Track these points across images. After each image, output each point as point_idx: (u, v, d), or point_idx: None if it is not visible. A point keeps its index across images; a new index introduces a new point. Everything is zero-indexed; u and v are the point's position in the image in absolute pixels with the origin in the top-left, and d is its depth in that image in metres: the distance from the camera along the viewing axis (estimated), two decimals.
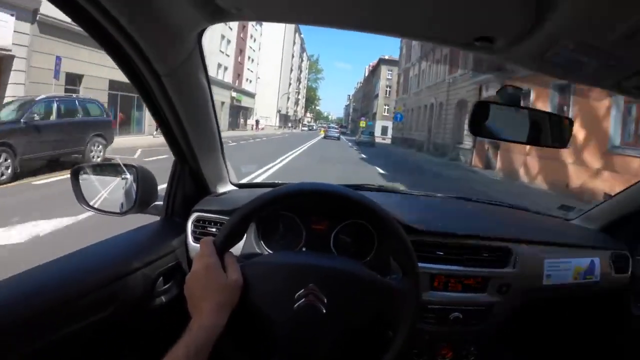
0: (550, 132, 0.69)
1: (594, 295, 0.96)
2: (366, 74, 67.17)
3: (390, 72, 40.66)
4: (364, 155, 13.94)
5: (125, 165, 0.79)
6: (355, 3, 0.48)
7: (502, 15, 0.44)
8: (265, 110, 37.37)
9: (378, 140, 32.12)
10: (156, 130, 11.48)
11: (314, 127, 57.58)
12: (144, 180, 0.77)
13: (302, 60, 60.25)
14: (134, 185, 0.77)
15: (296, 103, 61.75)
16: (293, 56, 47.93)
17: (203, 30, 0.61)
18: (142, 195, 0.77)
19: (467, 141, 13.59)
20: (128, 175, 0.78)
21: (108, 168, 0.81)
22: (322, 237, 0.81)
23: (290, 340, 0.52)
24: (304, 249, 0.81)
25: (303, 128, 55.73)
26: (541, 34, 0.44)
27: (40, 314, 0.53)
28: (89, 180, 0.77)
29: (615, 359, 1.05)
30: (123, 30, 0.50)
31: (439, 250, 0.81)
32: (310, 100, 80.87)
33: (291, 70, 47.81)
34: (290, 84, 47.54)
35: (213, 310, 0.48)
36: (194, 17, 0.54)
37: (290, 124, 51.11)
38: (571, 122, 0.70)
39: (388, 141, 34.19)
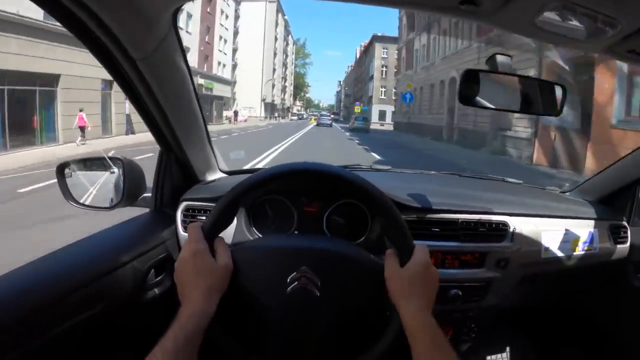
0: (540, 99, 0.74)
1: (593, 267, 1.05)
2: (357, 56, 66.99)
3: (385, 50, 39.99)
4: (365, 147, 12.75)
5: (110, 158, 0.84)
6: None
7: None
8: (248, 100, 36.95)
9: (375, 126, 33.02)
10: (81, 136, 9.81)
11: (304, 116, 59.42)
12: (131, 172, 0.83)
13: (287, 44, 60.10)
14: (122, 179, 0.83)
15: (283, 90, 62.14)
16: (276, 39, 47.42)
17: (177, 10, 0.63)
18: (129, 188, 0.83)
19: (521, 127, 10.69)
20: (115, 169, 0.85)
21: (94, 162, 0.87)
22: (315, 220, 0.88)
23: (283, 324, 0.56)
24: (296, 233, 0.87)
25: (292, 117, 55.90)
26: None
27: (31, 313, 0.57)
28: (74, 176, 0.84)
29: (615, 331, 1.16)
30: (93, 14, 0.52)
31: (434, 227, 0.90)
32: (299, 87, 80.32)
33: (275, 54, 47.41)
34: (274, 69, 47.52)
35: (201, 297, 0.51)
36: None
37: (277, 114, 51.12)
38: (564, 89, 0.75)
39: (388, 127, 33.19)
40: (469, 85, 0.70)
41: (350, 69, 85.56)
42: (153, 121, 0.79)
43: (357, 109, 36.21)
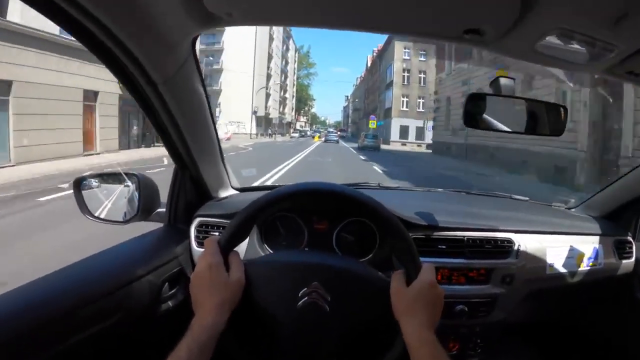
0: (547, 120, 0.95)
1: (599, 282, 1.28)
2: (368, 65, 68.00)
3: (407, 51, 37.56)
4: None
5: (126, 173, 1.10)
6: (344, 3, 0.66)
7: (488, 7, 0.62)
8: (238, 114, 36.36)
9: (396, 146, 33.50)
10: None
11: (308, 133, 59.89)
12: (145, 188, 1.08)
13: (287, 49, 61.43)
14: (136, 194, 1.08)
15: (282, 103, 64.05)
16: (272, 38, 47.61)
17: (196, 37, 0.83)
18: (144, 203, 1.07)
19: None
20: (130, 184, 1.10)
21: (110, 177, 1.13)
22: (324, 237, 1.11)
23: (294, 338, 0.71)
24: (306, 249, 1.11)
25: (293, 135, 56.69)
26: (529, 24, 0.63)
27: (47, 324, 0.72)
28: (91, 190, 1.09)
29: (620, 345, 1.36)
30: (117, 40, 0.68)
31: (441, 244, 1.13)
32: (303, 100, 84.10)
33: (270, 57, 47.48)
34: (269, 75, 47.75)
35: (213, 309, 0.65)
36: (186, 24, 0.73)
37: (273, 130, 51.00)
38: (566, 110, 0.96)
39: (414, 148, 32.38)
40: (474, 108, 0.90)
41: (360, 80, 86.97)
42: (170, 140, 1.02)
43: (372, 124, 35.91)
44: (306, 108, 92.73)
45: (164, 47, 0.77)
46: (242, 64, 37.70)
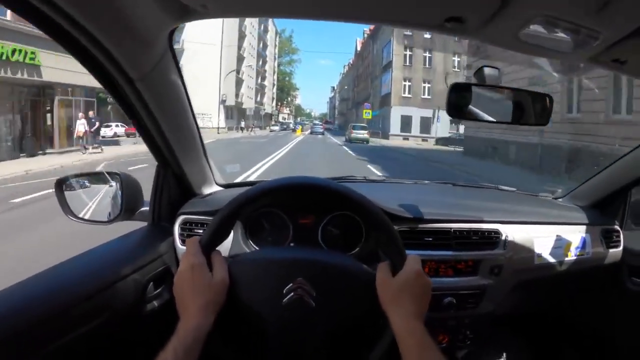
0: (532, 110, 1.07)
1: (587, 271, 1.47)
2: (357, 49, 67.24)
3: None
4: None
5: (108, 173, 1.25)
6: None
7: None
8: (204, 104, 33.22)
9: (396, 141, 31.65)
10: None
11: (291, 126, 59.54)
12: (128, 187, 1.22)
13: (265, 30, 60.09)
14: (119, 193, 1.22)
15: (260, 92, 63.62)
16: None
17: (173, 31, 0.91)
18: (127, 202, 1.22)
19: None
20: (112, 183, 1.25)
21: (92, 177, 1.28)
22: (310, 231, 1.27)
23: (281, 335, 0.80)
24: (292, 244, 1.26)
25: (273, 127, 55.97)
26: (512, 11, 0.69)
27: (34, 326, 0.81)
28: (73, 190, 1.23)
29: (610, 334, 1.56)
30: (91, 37, 0.75)
31: (427, 236, 1.29)
32: (285, 90, 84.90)
33: (242, 35, 45.95)
34: (242, 56, 46.43)
35: (199, 310, 0.74)
36: (160, 17, 0.80)
37: (247, 122, 48.65)
38: (551, 99, 1.08)
39: (423, 144, 30.11)
40: (458, 98, 1.01)
41: (348, 67, 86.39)
42: (150, 137, 1.13)
43: (366, 114, 35.03)
44: (289, 99, 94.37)
45: (140, 43, 0.85)
46: (207, 44, 35.84)
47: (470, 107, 1.01)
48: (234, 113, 46.91)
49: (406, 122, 34.76)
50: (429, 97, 33.86)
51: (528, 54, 0.92)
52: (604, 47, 0.80)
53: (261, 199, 0.88)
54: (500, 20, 0.74)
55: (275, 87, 79.13)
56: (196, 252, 0.80)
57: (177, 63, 1.04)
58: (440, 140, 29.09)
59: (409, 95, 35.86)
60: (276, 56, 75.36)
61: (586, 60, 0.90)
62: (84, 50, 0.80)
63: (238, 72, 46.46)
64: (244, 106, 49.26)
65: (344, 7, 0.81)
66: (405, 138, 34.46)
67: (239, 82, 48.15)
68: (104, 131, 25.04)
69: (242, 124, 47.08)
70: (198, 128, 1.27)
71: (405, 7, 0.78)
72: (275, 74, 78.20)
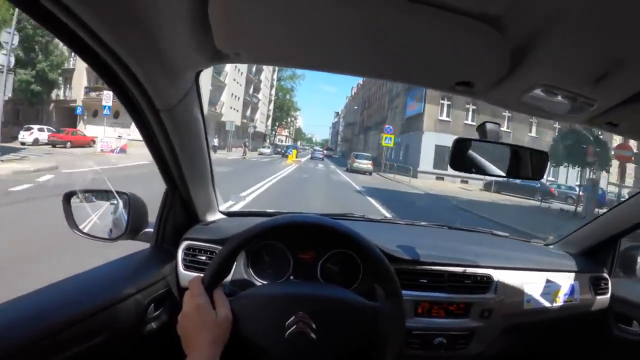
0: (530, 165, 1.25)
1: (575, 317, 1.66)
2: None
3: None
4: None
5: (116, 191, 1.39)
6: (347, 51, 0.86)
7: (479, 63, 0.84)
8: None
9: (427, 180, 25.93)
10: None
11: (284, 150, 51.43)
12: (135, 207, 1.38)
13: None
14: (124, 212, 1.37)
15: (250, 106, 58.91)
16: None
17: (201, 70, 1.08)
18: (132, 222, 1.37)
19: None
20: (119, 202, 1.39)
21: (100, 193, 1.42)
22: (309, 267, 1.45)
23: None
24: (292, 278, 1.43)
25: (263, 150, 51.00)
26: (515, 80, 0.85)
27: (33, 342, 0.89)
28: (80, 205, 1.37)
29: None
30: (125, 67, 0.86)
31: (422, 278, 1.47)
32: (284, 109, 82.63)
33: None
34: None
35: (206, 347, 0.85)
36: (193, 58, 0.95)
37: (221, 142, 42.02)
38: (546, 155, 1.27)
39: (469, 189, 24.90)
40: (460, 152, 1.18)
41: (356, 89, 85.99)
42: (164, 162, 1.29)
43: (387, 140, 26.61)
44: (289, 119, 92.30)
45: (170, 78, 0.99)
46: None
47: (471, 159, 1.19)
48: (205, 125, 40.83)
49: (441, 155, 27.27)
50: (473, 123, 27.13)
51: (528, 114, 1.13)
52: (599, 112, 0.96)
53: (260, 237, 1.05)
54: (505, 86, 0.90)
55: (272, 103, 76.76)
56: (200, 293, 0.93)
57: (200, 99, 1.21)
58: (491, 185, 25.19)
59: (448, 119, 30.08)
60: (276, 69, 71.96)
61: (582, 122, 1.08)
62: (116, 77, 0.92)
63: (218, 72, 42.66)
64: (223, 119, 43.55)
65: (365, 65, 0.96)
66: (440, 177, 28.90)
67: (218, 87, 43.82)
68: (22, 135, 23.40)
69: (215, 141, 38.20)
70: (210, 158, 1.45)
71: (420, 72, 0.95)
72: (274, 89, 76.58)
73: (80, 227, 1.37)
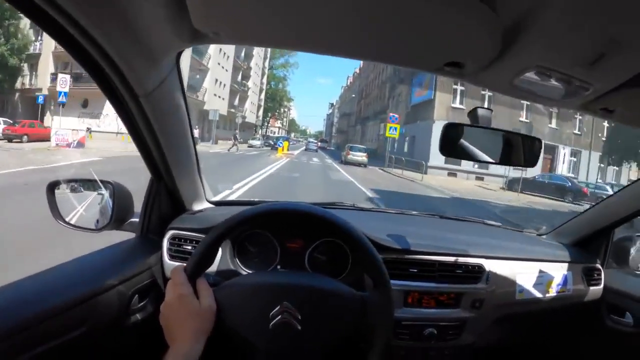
0: (522, 152, 1.29)
1: (568, 308, 1.71)
2: (361, 65, 65.68)
3: None
4: None
5: (101, 181, 1.40)
6: (331, 30, 0.85)
7: (470, 42, 0.82)
8: None
9: (438, 177, 24.18)
10: None
11: (275, 141, 49.23)
12: (120, 196, 1.39)
13: None
14: (110, 202, 1.38)
15: (238, 94, 55.63)
16: None
17: (181, 52, 1.07)
18: (118, 211, 1.38)
19: None
20: (104, 191, 1.40)
21: (84, 183, 1.43)
22: (297, 256, 1.47)
23: (268, 358, 0.95)
24: (278, 267, 1.45)
25: (253, 142, 47.51)
26: (508, 61, 0.84)
27: (13, 333, 0.91)
28: (64, 195, 1.38)
29: None
30: (102, 51, 0.86)
31: (412, 267, 1.50)
32: (276, 99, 79.13)
33: None
34: None
35: (188, 338, 0.87)
36: (172, 39, 0.94)
37: (203, 133, 39.15)
38: (540, 142, 1.30)
39: (487, 188, 23.27)
40: (450, 137, 1.21)
41: (352, 78, 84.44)
42: (147, 151, 1.31)
43: (391, 130, 25.56)
44: (282, 109, 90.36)
45: (148, 61, 0.99)
46: None
47: (462, 145, 1.23)
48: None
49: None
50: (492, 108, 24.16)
51: (521, 99, 1.11)
52: (594, 97, 0.96)
53: (246, 225, 1.08)
54: (496, 68, 0.90)
55: (263, 93, 73.47)
56: (183, 282, 0.94)
57: (182, 83, 1.21)
58: (513, 184, 23.24)
59: (462, 107, 27.63)
60: (268, 56, 71.30)
61: (576, 108, 1.08)
62: (94, 63, 0.94)
63: (200, 54, 39.32)
64: (206, 107, 40.21)
65: (350, 45, 0.95)
66: (452, 173, 27.07)
67: (199, 70, 40.39)
68: None
69: (196, 132, 23.16)
70: (195, 146, 1.46)
71: (408, 51, 0.93)
72: (265, 77, 72.98)
73: (65, 217, 1.40)
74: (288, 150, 35.81)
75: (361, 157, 30.20)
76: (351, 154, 30.42)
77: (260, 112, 75.54)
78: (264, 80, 73.06)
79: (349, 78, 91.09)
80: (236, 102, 54.91)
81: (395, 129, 26.07)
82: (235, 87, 53.14)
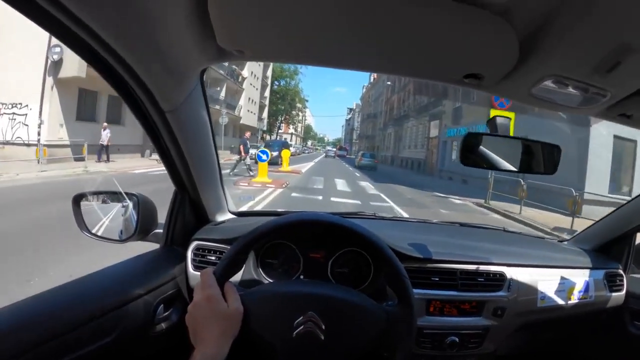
0: (542, 159, 1.43)
1: (590, 314, 1.79)
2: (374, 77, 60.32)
3: None
4: None
5: (126, 193, 1.54)
6: (352, 45, 0.95)
7: (487, 54, 0.92)
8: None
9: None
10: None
11: (306, 152, 42.28)
12: (144, 208, 1.53)
13: None
14: (134, 213, 1.52)
15: (223, 84, 41.53)
16: None
17: (205, 69, 1.20)
18: (142, 223, 1.52)
19: None
20: (129, 203, 1.54)
21: (109, 195, 1.57)
22: (320, 266, 1.60)
23: None
24: (301, 277, 1.57)
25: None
26: (525, 71, 0.93)
27: (41, 343, 1.01)
28: (89, 206, 1.52)
29: None
30: (129, 68, 0.97)
31: (434, 276, 1.62)
32: (287, 98, 71.90)
33: None
34: None
35: (215, 340, 0.94)
36: (197, 58, 1.06)
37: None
38: (559, 149, 1.43)
39: None
40: (470, 147, 1.34)
41: (377, 75, 76.57)
42: (172, 163, 1.45)
43: None
44: (293, 112, 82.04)
45: (174, 78, 1.11)
46: None
47: (482, 154, 1.38)
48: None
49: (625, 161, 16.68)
50: None
51: (539, 107, 1.21)
52: (612, 103, 1.05)
53: (273, 234, 1.17)
54: (514, 78, 0.99)
55: (267, 89, 67.21)
56: (212, 284, 1.03)
57: (205, 98, 1.35)
58: None
59: None
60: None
61: (594, 114, 1.18)
62: (121, 79, 1.05)
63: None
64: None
65: (371, 60, 1.06)
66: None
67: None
68: None
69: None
70: (218, 158, 1.62)
71: (428, 65, 1.04)
72: (270, 69, 64.94)
73: (90, 228, 1.56)
74: (289, 166, 23.96)
75: (371, 161, 39.94)
76: (363, 160, 40.29)
77: (265, 114, 67.46)
78: (269, 74, 65.58)
79: (371, 76, 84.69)
80: (221, 94, 42.97)
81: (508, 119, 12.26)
82: (221, 75, 41.42)
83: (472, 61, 1.00)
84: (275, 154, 25.29)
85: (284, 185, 16.39)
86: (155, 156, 22.30)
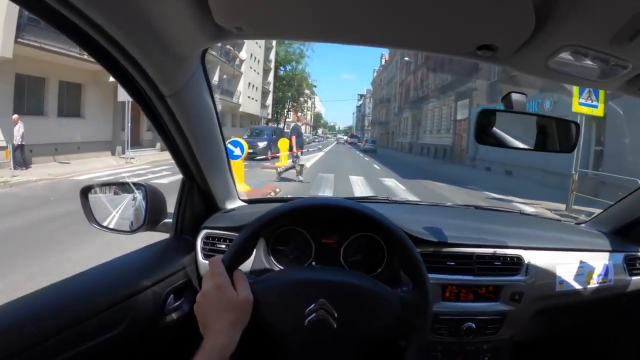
0: (557, 136, 1.49)
1: (609, 299, 1.83)
2: (383, 62, 59.14)
3: None
4: None
5: (134, 183, 1.58)
6: (357, 18, 0.95)
7: (501, 23, 0.91)
8: None
9: None
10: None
11: (316, 140, 39.21)
12: (153, 198, 1.58)
13: None
14: (143, 204, 1.57)
15: (215, 67, 37.35)
16: None
17: (205, 50, 1.21)
18: (151, 213, 1.57)
19: None
20: (137, 194, 1.60)
21: (117, 187, 1.62)
22: (332, 252, 1.64)
23: (303, 355, 1.06)
24: (313, 263, 1.61)
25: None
26: (542, 41, 0.93)
27: (53, 334, 1.05)
28: (98, 198, 1.58)
29: None
30: (126, 53, 0.99)
31: (449, 260, 1.66)
32: (294, 84, 69.75)
33: None
34: None
35: (225, 329, 0.98)
36: (195, 38, 1.06)
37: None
38: (577, 126, 1.47)
39: None
40: (485, 123, 1.40)
41: (389, 56, 77.15)
42: (178, 151, 1.49)
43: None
44: (301, 99, 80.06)
45: (173, 61, 1.12)
46: None
47: (496, 132, 1.44)
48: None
49: None
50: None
51: (556, 80, 1.23)
52: (633, 76, 1.05)
53: (282, 219, 1.19)
54: (530, 49, 0.99)
55: (271, 73, 65.94)
56: (221, 272, 1.05)
57: (208, 81, 1.37)
58: None
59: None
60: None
61: (613, 88, 1.20)
62: (118, 65, 1.08)
63: None
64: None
65: (376, 33, 1.07)
66: None
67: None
68: None
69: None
70: (225, 144, 1.64)
71: (438, 35, 1.04)
72: (273, 51, 63.80)
73: (99, 220, 1.63)
74: (287, 161, 17.45)
75: (373, 146, 50.94)
76: (367, 145, 50.43)
77: (269, 102, 65.68)
78: (271, 58, 63.22)
79: (383, 56, 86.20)
80: (215, 78, 40.38)
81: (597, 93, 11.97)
82: (214, 57, 38.44)
83: (486, 30, 1.00)
84: (262, 144, 23.72)
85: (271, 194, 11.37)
86: (129, 154, 20.38)
